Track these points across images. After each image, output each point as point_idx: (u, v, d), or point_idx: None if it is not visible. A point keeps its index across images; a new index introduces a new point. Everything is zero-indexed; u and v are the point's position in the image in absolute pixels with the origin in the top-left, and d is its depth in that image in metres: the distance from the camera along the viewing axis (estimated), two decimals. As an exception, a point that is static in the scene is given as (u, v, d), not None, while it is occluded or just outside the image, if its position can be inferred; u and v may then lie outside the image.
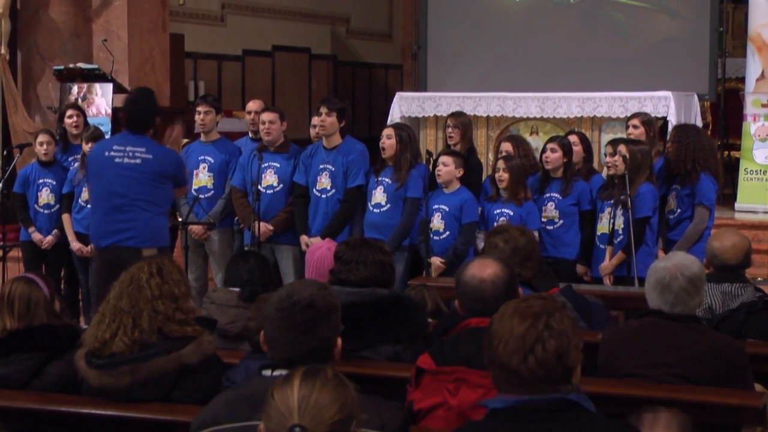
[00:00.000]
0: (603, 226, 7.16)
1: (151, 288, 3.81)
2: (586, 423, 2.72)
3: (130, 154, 6.29)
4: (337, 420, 2.29)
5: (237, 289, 5.03)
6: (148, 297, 3.80)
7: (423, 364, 3.55)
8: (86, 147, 7.88)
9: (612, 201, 7.07)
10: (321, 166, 7.52)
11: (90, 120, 8.82)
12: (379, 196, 7.46)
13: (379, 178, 7.47)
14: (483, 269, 3.66)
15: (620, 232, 6.98)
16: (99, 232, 6.44)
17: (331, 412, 2.29)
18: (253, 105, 8.24)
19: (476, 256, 7.07)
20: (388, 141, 7.45)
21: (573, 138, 7.61)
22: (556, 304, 2.83)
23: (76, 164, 8.11)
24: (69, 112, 8.42)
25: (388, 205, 7.42)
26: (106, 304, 3.86)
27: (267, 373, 3.02)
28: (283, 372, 2.93)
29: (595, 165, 8.28)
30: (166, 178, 6.38)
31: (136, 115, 6.42)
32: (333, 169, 7.49)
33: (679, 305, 4.09)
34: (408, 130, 7.69)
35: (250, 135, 8.15)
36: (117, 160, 6.30)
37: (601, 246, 7.16)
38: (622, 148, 7.00)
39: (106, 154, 6.38)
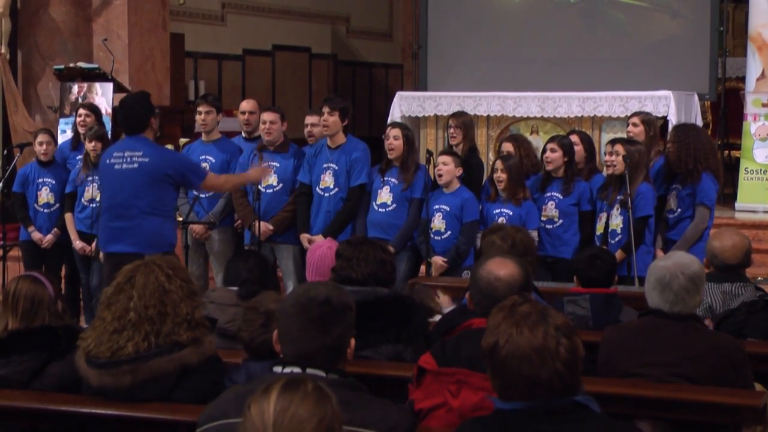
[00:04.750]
0: (602, 226, 7.16)
1: (174, 290, 3.72)
2: (593, 424, 2.70)
3: (129, 159, 6.23)
4: None
5: (236, 288, 5.03)
6: (175, 300, 3.70)
7: (425, 363, 3.54)
8: (89, 146, 7.90)
9: (609, 200, 7.07)
10: (324, 165, 7.52)
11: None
12: (384, 195, 7.45)
13: (385, 178, 7.47)
14: (501, 267, 3.64)
15: (618, 231, 6.99)
16: (103, 238, 6.46)
17: (308, 428, 2.21)
18: (246, 105, 8.18)
19: (476, 255, 7.14)
20: (395, 142, 7.44)
21: (574, 138, 7.61)
22: (537, 302, 2.80)
23: (80, 164, 8.11)
24: (80, 111, 8.42)
25: (394, 205, 7.42)
26: (124, 315, 3.70)
27: (278, 369, 3.00)
28: (295, 369, 2.93)
29: (597, 164, 8.27)
30: (166, 180, 6.27)
31: (127, 116, 6.39)
32: (336, 167, 7.49)
33: (679, 304, 4.09)
34: (411, 130, 7.72)
35: (243, 135, 8.12)
36: (116, 167, 6.26)
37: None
38: (619, 148, 7.00)
39: (108, 161, 6.35)
